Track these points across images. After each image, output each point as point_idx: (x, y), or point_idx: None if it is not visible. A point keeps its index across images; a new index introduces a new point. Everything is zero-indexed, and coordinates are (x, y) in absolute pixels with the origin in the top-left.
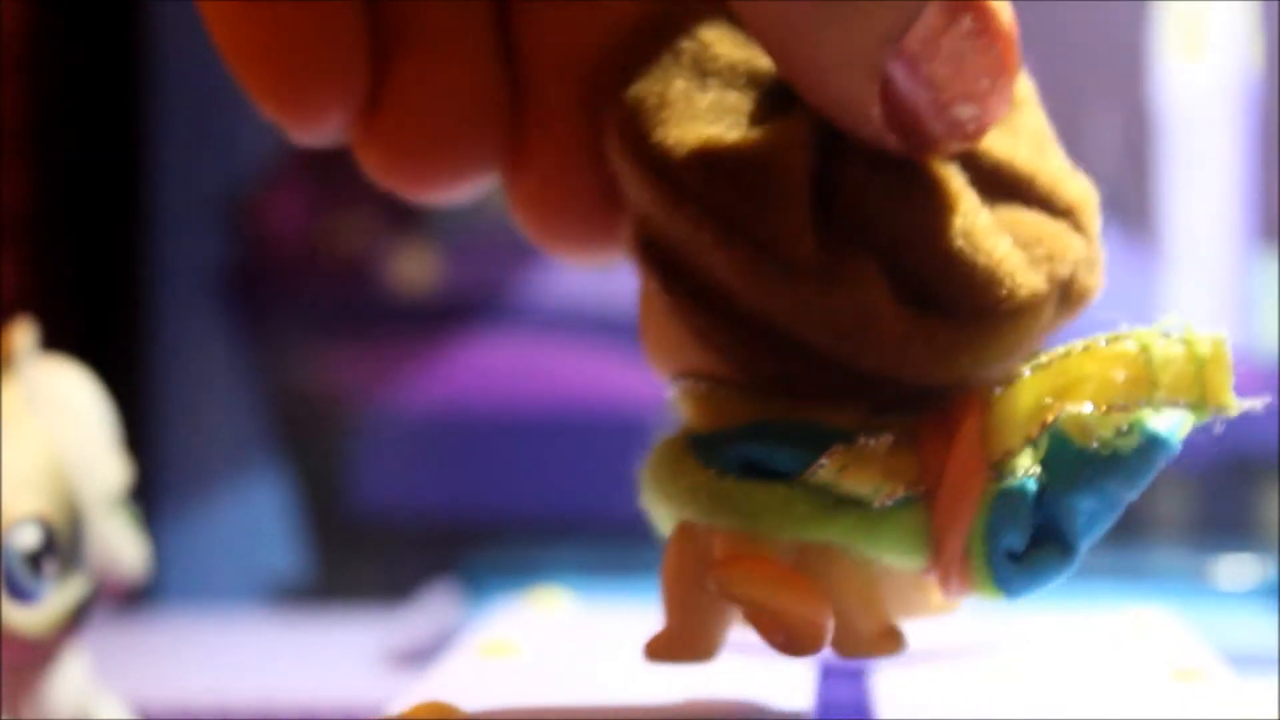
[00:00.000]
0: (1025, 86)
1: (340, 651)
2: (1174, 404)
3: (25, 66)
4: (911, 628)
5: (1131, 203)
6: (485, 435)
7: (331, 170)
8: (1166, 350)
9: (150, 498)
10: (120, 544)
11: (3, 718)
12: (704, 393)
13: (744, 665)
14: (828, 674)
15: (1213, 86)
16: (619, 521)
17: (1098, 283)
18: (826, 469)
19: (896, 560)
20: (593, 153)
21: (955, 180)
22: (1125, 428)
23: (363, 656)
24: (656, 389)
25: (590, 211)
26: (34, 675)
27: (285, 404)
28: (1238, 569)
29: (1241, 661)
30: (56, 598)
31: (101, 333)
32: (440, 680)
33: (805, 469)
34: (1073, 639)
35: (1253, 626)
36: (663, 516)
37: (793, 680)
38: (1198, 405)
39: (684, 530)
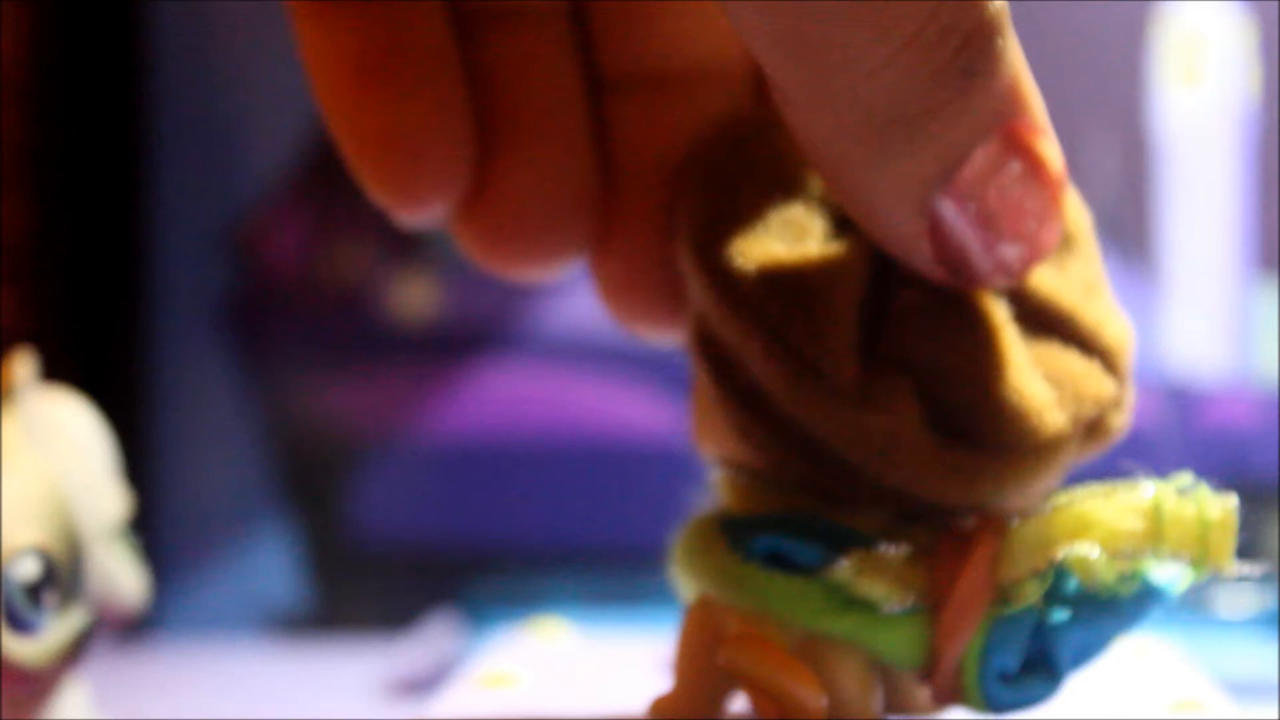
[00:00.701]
0: (1081, 222)
1: (341, 682)
2: (1176, 559)
3: (24, 96)
4: None
5: (1130, 229)
6: (486, 465)
7: (331, 201)
8: (1177, 509)
9: (151, 528)
10: (120, 574)
11: None
12: (740, 483)
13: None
14: None
15: (1211, 113)
16: (619, 552)
17: (1124, 423)
18: (844, 569)
19: (895, 662)
20: (671, 241)
21: (998, 313)
22: (1127, 575)
23: (363, 687)
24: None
25: (667, 296)
26: (33, 707)
27: (285, 434)
28: (1238, 598)
29: (1241, 691)
30: (56, 629)
31: (101, 364)
32: (440, 711)
33: (824, 566)
34: None
35: (1253, 655)
36: (686, 587)
37: None
38: (1198, 564)
39: (704, 603)
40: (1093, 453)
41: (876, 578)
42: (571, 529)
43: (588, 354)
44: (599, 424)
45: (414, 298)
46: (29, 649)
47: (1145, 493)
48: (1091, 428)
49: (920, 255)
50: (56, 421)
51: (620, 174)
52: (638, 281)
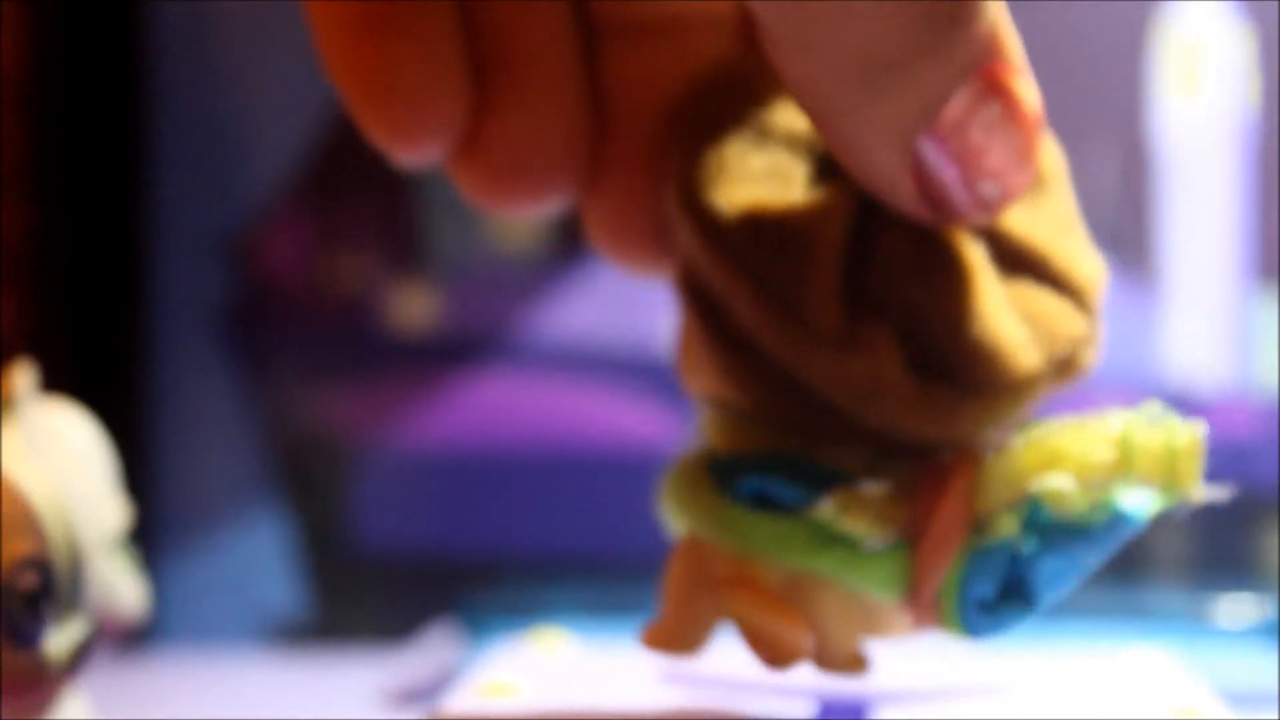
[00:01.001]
0: (1056, 164)
1: (340, 691)
2: (1146, 486)
3: (24, 104)
4: (911, 668)
5: (1129, 239)
6: (485, 474)
7: (332, 208)
8: (1146, 437)
9: (149, 537)
10: (119, 585)
11: None
12: (725, 420)
13: (743, 705)
14: (827, 713)
15: (1210, 122)
16: (619, 561)
17: (1095, 359)
18: (827, 508)
19: (877, 595)
20: (660, 185)
21: (976, 255)
22: (1099, 503)
23: (362, 696)
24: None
25: (656, 236)
26: (34, 717)
27: (285, 443)
28: (1237, 608)
29: (1241, 701)
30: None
31: (100, 373)
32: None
33: (807, 505)
34: (1072, 680)
35: (1253, 666)
36: (675, 523)
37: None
38: (1167, 490)
39: (693, 540)
40: (1063, 388)
41: (858, 515)
42: (572, 538)
43: (588, 363)
44: (599, 433)
45: (414, 306)
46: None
47: (1115, 423)
48: (1063, 365)
49: (903, 194)
50: (56, 431)
51: (612, 117)
52: (628, 222)
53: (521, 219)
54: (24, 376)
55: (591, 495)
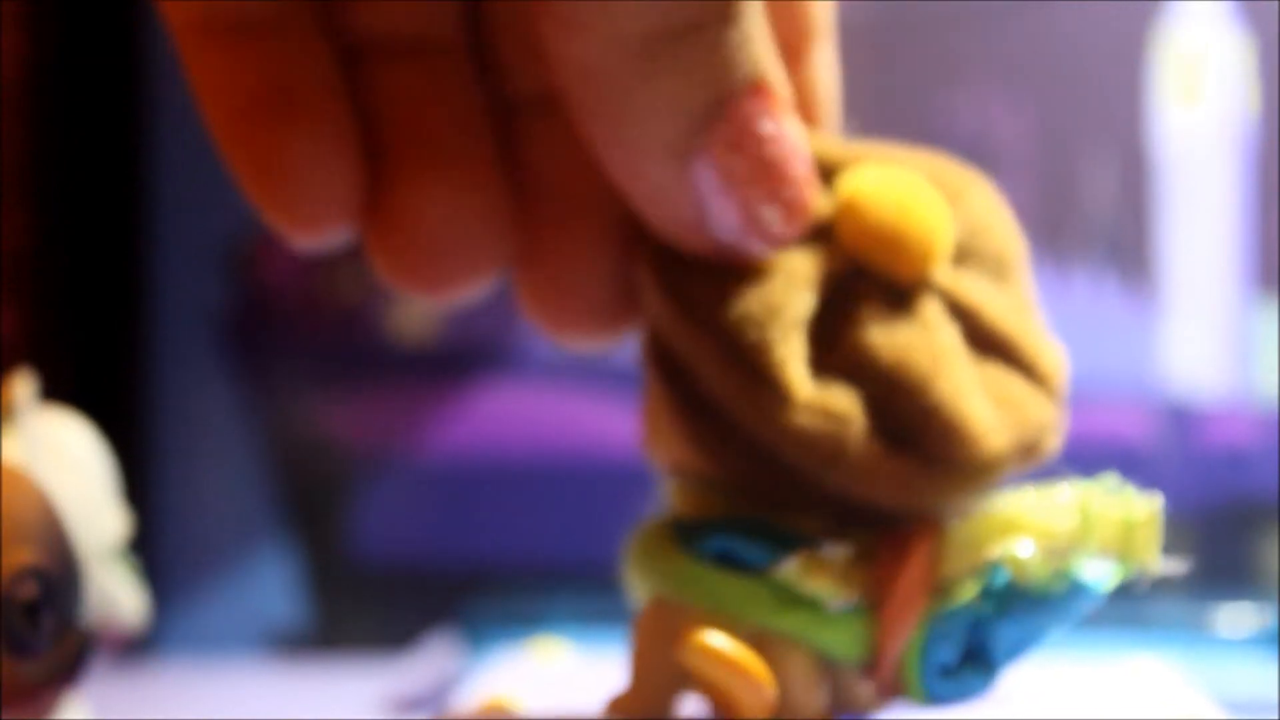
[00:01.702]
0: (1018, 248)
1: (340, 701)
2: (1104, 556)
3: (24, 112)
4: None
5: (1129, 247)
6: (485, 484)
7: None
8: (1104, 508)
9: (150, 548)
10: (119, 594)
11: None
12: (690, 488)
13: None
14: None
15: (1210, 131)
16: (619, 571)
17: (1057, 444)
18: (791, 568)
19: (840, 657)
20: (599, 251)
21: (951, 333)
22: (1059, 572)
23: (362, 706)
24: None
25: (595, 305)
26: None
27: (285, 453)
28: (1238, 617)
29: (1242, 710)
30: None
31: (101, 383)
32: None
33: (771, 565)
34: (1073, 690)
35: (1253, 675)
36: (640, 588)
37: None
38: (1125, 561)
39: (658, 604)
40: (1024, 469)
41: (821, 576)
42: (571, 548)
43: (587, 374)
44: (599, 443)
45: (414, 317)
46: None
47: (1073, 493)
48: (1029, 449)
49: (680, 208)
50: (56, 441)
51: (542, 193)
52: (564, 297)
53: (445, 302)
54: (24, 385)
55: (591, 505)
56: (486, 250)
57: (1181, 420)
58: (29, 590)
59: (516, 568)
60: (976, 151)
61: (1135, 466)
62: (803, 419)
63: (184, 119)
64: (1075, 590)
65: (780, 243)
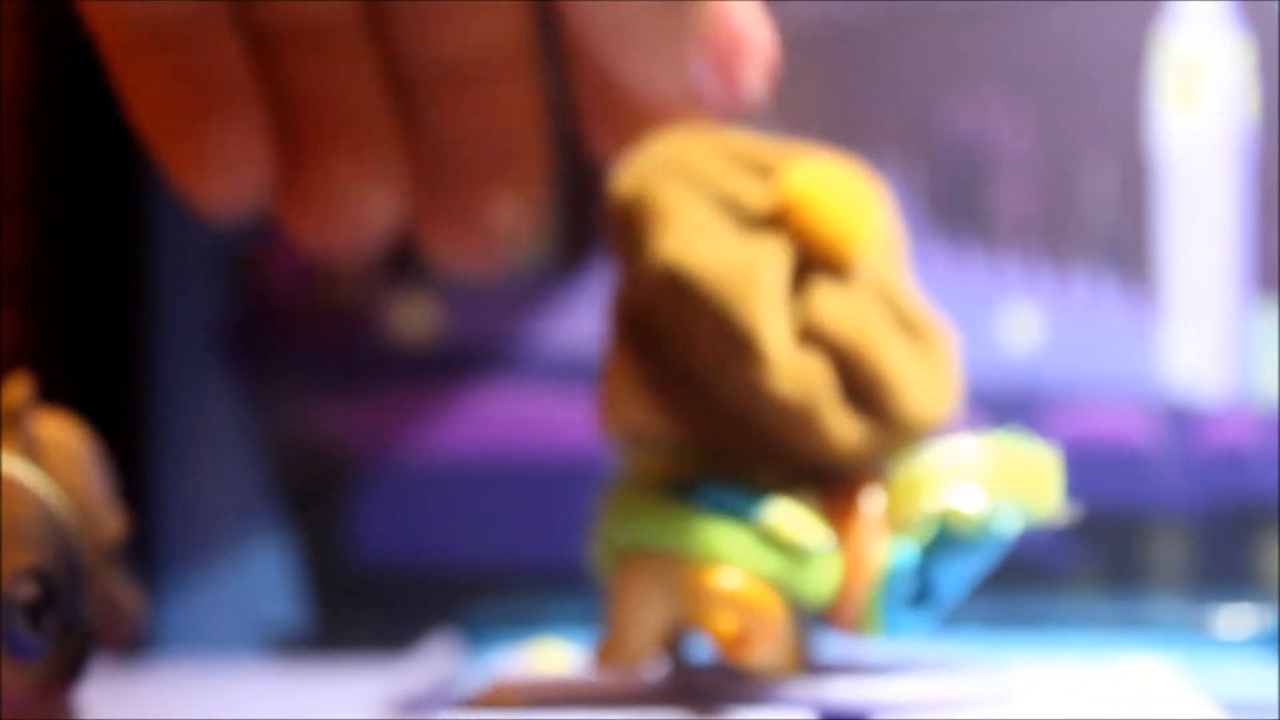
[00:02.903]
0: (900, 238)
1: (339, 702)
2: (1016, 502)
3: (24, 117)
4: (909, 678)
5: (1129, 251)
6: (486, 486)
7: None
8: (1012, 457)
9: (150, 549)
10: (119, 594)
11: None
12: (663, 451)
13: (744, 717)
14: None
15: (1210, 135)
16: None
17: (957, 409)
18: (773, 516)
19: (810, 601)
20: (493, 205)
21: (883, 313)
22: (985, 517)
23: (362, 707)
24: None
25: (494, 248)
26: None
27: (285, 454)
28: (1237, 618)
29: (1242, 710)
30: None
31: (99, 385)
32: None
33: (756, 515)
34: (1072, 690)
35: (1253, 676)
36: (613, 547)
37: None
38: (1032, 506)
39: (642, 556)
40: (945, 428)
41: (799, 523)
42: (572, 550)
43: (589, 375)
44: (599, 445)
45: (415, 318)
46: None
47: (986, 444)
48: (948, 410)
49: (682, 80)
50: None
51: (448, 157)
52: (467, 241)
53: (347, 256)
54: (22, 388)
55: (591, 507)
56: (386, 212)
57: (1181, 422)
58: (29, 591)
59: (518, 570)
60: (975, 154)
61: (1135, 468)
62: (785, 384)
63: None
64: (994, 536)
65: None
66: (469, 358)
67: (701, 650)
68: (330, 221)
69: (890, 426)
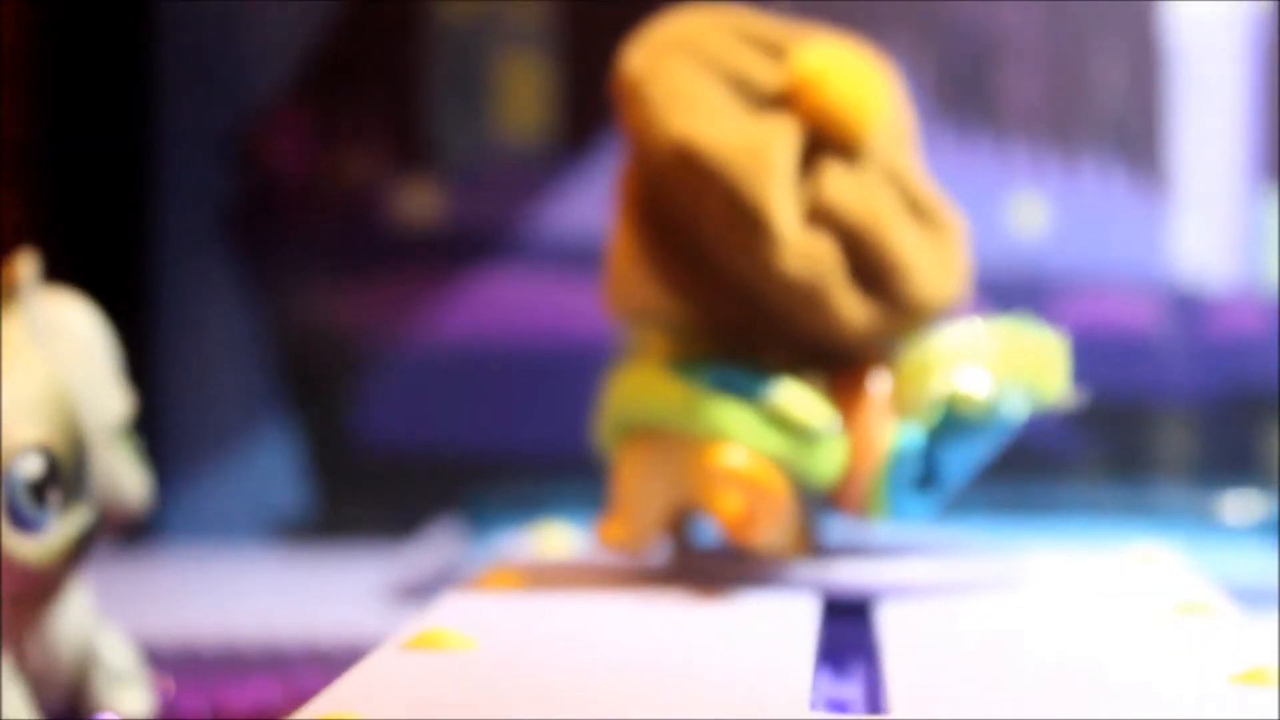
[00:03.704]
0: (909, 123)
1: (344, 586)
2: (1024, 386)
3: (30, 2)
4: (914, 564)
5: (1137, 139)
6: (489, 372)
7: (336, 105)
8: (1021, 342)
9: (155, 432)
10: (123, 474)
11: (4, 649)
12: (671, 330)
13: (747, 601)
14: (832, 611)
15: (1219, 24)
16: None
17: (966, 294)
18: (783, 396)
19: (816, 482)
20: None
21: (891, 195)
22: (992, 400)
23: (366, 591)
24: None
25: None
26: (37, 606)
27: (290, 341)
28: (1241, 505)
29: (1244, 596)
30: (60, 527)
31: (106, 270)
32: (441, 613)
33: (763, 395)
34: (1077, 574)
35: (1256, 561)
36: (618, 426)
37: (797, 617)
38: (1040, 390)
39: (648, 435)
40: (952, 311)
41: (805, 404)
42: (576, 435)
43: (593, 260)
44: (604, 330)
45: (419, 204)
46: (32, 547)
47: (995, 329)
48: (956, 294)
49: None
50: (60, 322)
51: None
52: None
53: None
54: (27, 266)
55: (595, 392)
56: None
57: (1188, 309)
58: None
59: (520, 454)
60: (984, 42)
61: (1141, 354)
62: (795, 263)
63: (187, 15)
64: (1002, 419)
65: None
66: (473, 243)
67: (706, 531)
68: None
69: (898, 309)
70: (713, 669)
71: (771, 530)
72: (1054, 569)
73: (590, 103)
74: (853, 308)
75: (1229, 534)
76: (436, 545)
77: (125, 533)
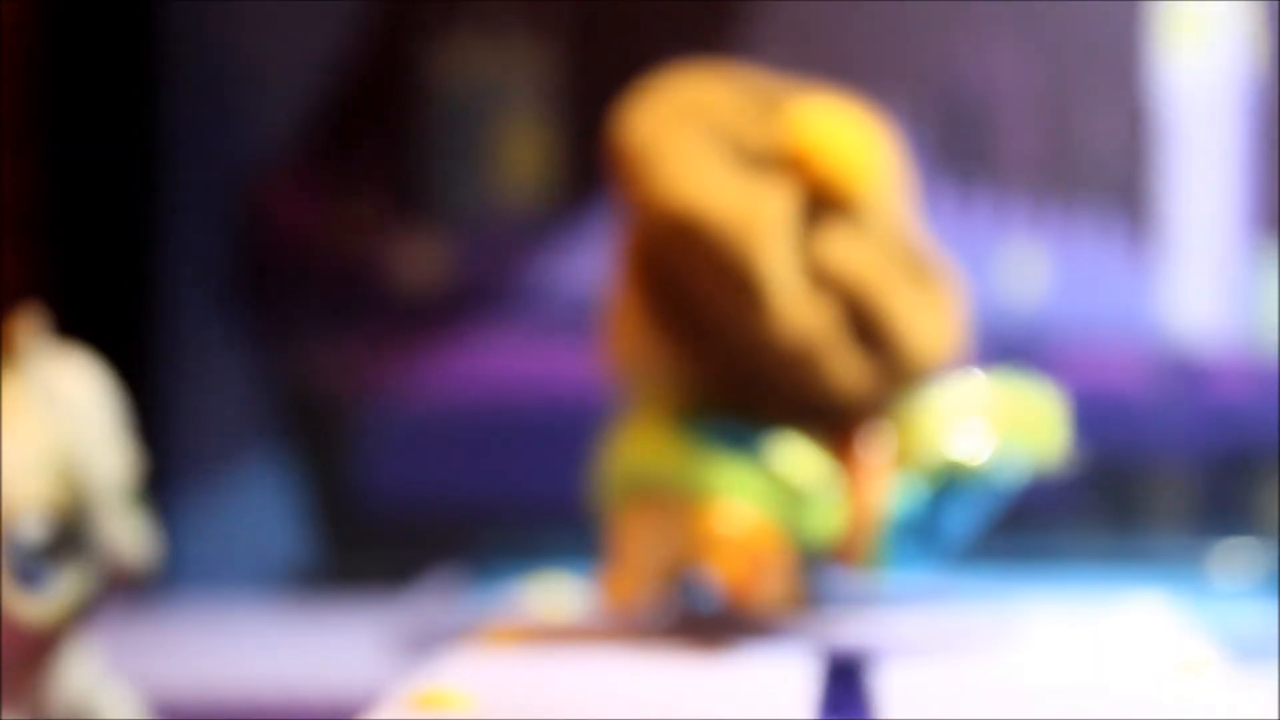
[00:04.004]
0: (902, 177)
1: (348, 638)
2: (1024, 442)
3: (38, 59)
4: (912, 621)
5: (1134, 195)
6: (491, 425)
7: (341, 161)
8: (1021, 400)
9: (163, 488)
10: (127, 534)
11: (3, 710)
12: (669, 390)
13: (746, 660)
14: (832, 668)
15: (1214, 80)
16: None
17: (963, 351)
18: (779, 456)
19: (816, 541)
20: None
21: (888, 253)
22: (993, 456)
23: (370, 643)
24: None
25: None
26: (38, 666)
27: (295, 396)
28: (1238, 561)
29: (1241, 651)
30: (63, 588)
31: (113, 325)
32: (446, 666)
33: (761, 456)
34: (1077, 631)
35: (1252, 617)
36: (618, 484)
37: (797, 676)
38: (1038, 446)
39: (650, 493)
40: (949, 368)
41: (802, 464)
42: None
43: (593, 317)
44: (602, 387)
45: (423, 258)
46: (35, 607)
47: (995, 387)
48: (954, 350)
49: None
50: (62, 382)
51: None
52: None
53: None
54: (31, 325)
55: (593, 446)
56: None
57: (1183, 368)
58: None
59: (522, 506)
60: (982, 97)
61: (1138, 413)
62: (789, 329)
63: (195, 73)
64: (1004, 474)
65: None
66: (474, 300)
67: (705, 589)
68: None
69: (896, 368)
70: None
71: (770, 589)
72: (1053, 625)
73: (589, 163)
74: (849, 369)
75: (1226, 589)
76: (438, 597)
77: (133, 584)
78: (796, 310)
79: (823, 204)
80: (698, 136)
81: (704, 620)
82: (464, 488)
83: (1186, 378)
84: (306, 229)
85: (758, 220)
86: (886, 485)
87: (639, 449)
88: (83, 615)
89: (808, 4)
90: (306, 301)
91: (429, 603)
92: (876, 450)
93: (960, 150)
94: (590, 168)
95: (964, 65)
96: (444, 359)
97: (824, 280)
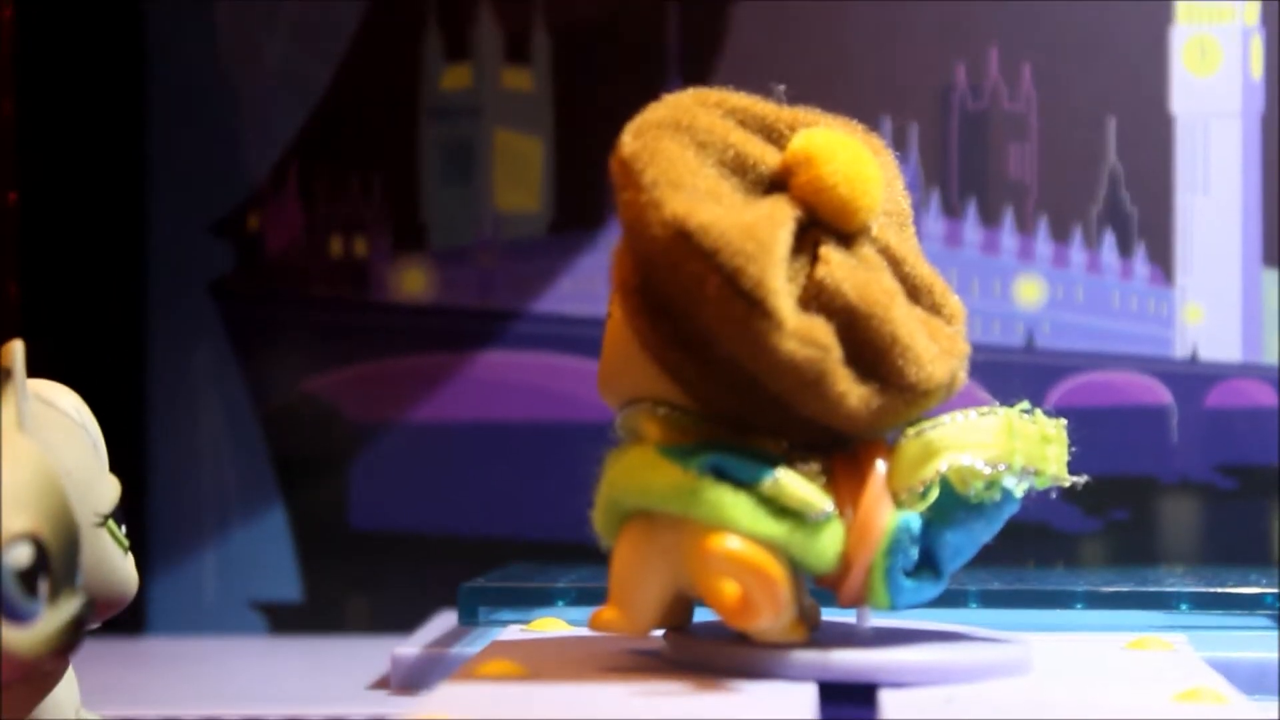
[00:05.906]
0: (909, 205)
1: (335, 677)
2: (1026, 469)
3: (24, 76)
4: (920, 649)
5: (1139, 218)
6: (483, 455)
7: (327, 187)
8: (1023, 427)
9: (144, 522)
10: (113, 562)
11: None
12: (666, 416)
13: (745, 689)
14: (832, 697)
15: (1223, 105)
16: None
17: (965, 378)
18: (776, 482)
19: (813, 567)
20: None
21: (890, 276)
22: (991, 484)
23: (358, 681)
24: None
25: None
26: (27, 695)
27: (281, 426)
28: (1246, 587)
29: (1247, 682)
30: (50, 616)
31: (97, 353)
32: (436, 706)
33: (759, 480)
34: (1081, 660)
35: (1261, 645)
36: (616, 512)
37: (795, 705)
38: (1041, 473)
39: (645, 521)
40: (951, 395)
41: (800, 490)
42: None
43: (587, 342)
44: (599, 412)
45: (412, 284)
46: (23, 636)
47: (996, 414)
48: (956, 377)
49: None
50: (50, 410)
51: None
52: None
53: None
54: (17, 356)
55: (591, 478)
56: None
57: (1190, 389)
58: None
59: (514, 538)
60: (992, 119)
61: (1145, 431)
62: (793, 345)
63: (184, 93)
64: (1004, 499)
65: None
66: (466, 324)
67: (704, 617)
68: None
69: (897, 391)
70: None
71: (769, 616)
72: (1056, 654)
73: (585, 184)
74: (851, 390)
75: (1234, 617)
76: (430, 635)
77: (114, 615)
78: (800, 328)
79: (822, 225)
80: (697, 153)
81: (702, 647)
82: (455, 520)
83: (1194, 402)
84: (295, 254)
85: (759, 235)
86: (885, 512)
87: (633, 476)
88: (71, 644)
89: (805, 24)
90: (294, 329)
91: (422, 642)
92: (876, 476)
93: (961, 172)
94: (586, 191)
95: (966, 87)
96: (433, 386)
97: (824, 301)
